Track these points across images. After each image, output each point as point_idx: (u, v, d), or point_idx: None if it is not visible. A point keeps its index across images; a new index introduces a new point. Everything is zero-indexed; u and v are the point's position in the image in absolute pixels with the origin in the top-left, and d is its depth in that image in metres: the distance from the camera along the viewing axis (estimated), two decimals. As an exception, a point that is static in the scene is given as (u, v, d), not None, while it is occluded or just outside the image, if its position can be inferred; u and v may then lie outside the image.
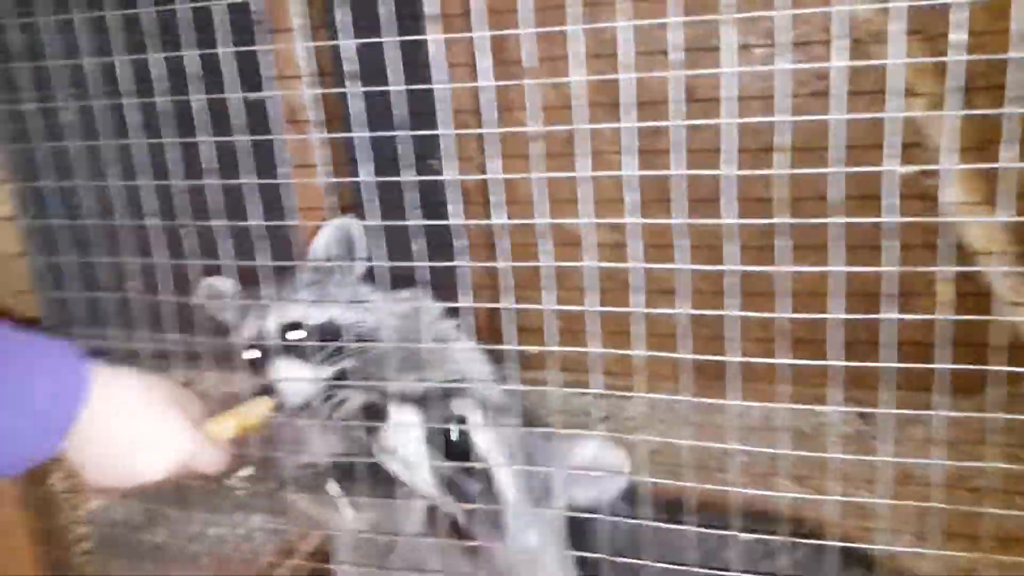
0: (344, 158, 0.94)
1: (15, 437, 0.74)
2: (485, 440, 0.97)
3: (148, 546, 1.22)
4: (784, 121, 0.71)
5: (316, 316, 1.17)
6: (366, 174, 0.82)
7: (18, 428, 0.74)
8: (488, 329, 1.12)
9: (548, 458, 0.97)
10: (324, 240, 1.23)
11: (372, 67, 0.80)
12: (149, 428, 0.82)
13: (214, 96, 0.86)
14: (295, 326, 1.18)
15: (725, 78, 0.71)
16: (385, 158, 0.82)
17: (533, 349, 0.89)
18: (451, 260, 0.82)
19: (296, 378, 1.08)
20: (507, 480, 0.96)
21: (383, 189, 0.84)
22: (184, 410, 0.86)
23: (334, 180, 0.92)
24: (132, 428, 0.81)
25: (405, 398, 0.96)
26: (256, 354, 1.18)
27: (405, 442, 0.94)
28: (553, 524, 0.96)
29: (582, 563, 0.96)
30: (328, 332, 1.15)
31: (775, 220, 0.73)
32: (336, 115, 1.11)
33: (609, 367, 0.92)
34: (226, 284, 1.22)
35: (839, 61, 0.69)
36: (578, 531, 0.97)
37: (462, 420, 0.98)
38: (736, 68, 0.71)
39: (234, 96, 0.84)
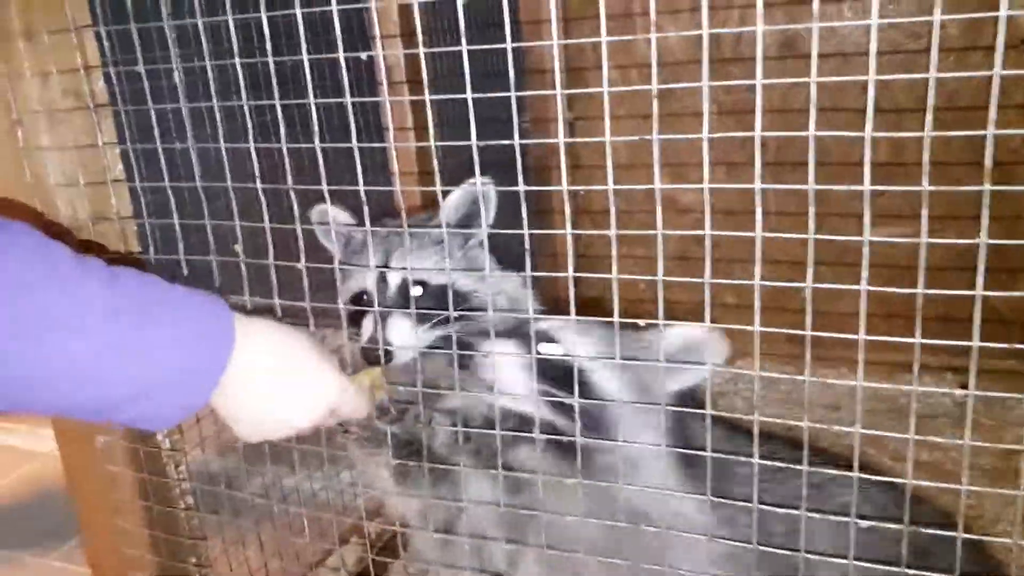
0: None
1: (168, 388, 0.73)
2: (598, 369, 0.98)
3: (245, 501, 1.25)
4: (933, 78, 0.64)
5: (438, 278, 1.13)
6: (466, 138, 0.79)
7: (170, 380, 0.73)
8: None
9: (639, 353, 0.96)
10: (455, 201, 1.15)
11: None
12: (297, 376, 0.81)
13: (319, 56, 0.84)
14: (419, 284, 1.13)
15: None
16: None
17: (640, 322, 0.86)
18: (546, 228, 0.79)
19: (405, 342, 1.05)
20: (607, 385, 0.98)
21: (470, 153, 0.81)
22: (326, 358, 0.85)
23: (440, 144, 0.89)
24: (280, 377, 0.80)
25: (498, 334, 0.98)
26: (362, 308, 1.14)
27: (503, 370, 0.97)
28: (655, 422, 0.95)
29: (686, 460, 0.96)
30: (444, 296, 1.09)
31: (917, 187, 0.67)
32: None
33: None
34: (340, 214, 1.17)
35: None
36: (679, 425, 0.96)
37: (551, 339, 0.99)
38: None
39: (339, 55, 0.82)
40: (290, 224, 0.94)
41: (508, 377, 0.98)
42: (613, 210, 0.76)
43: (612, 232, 0.77)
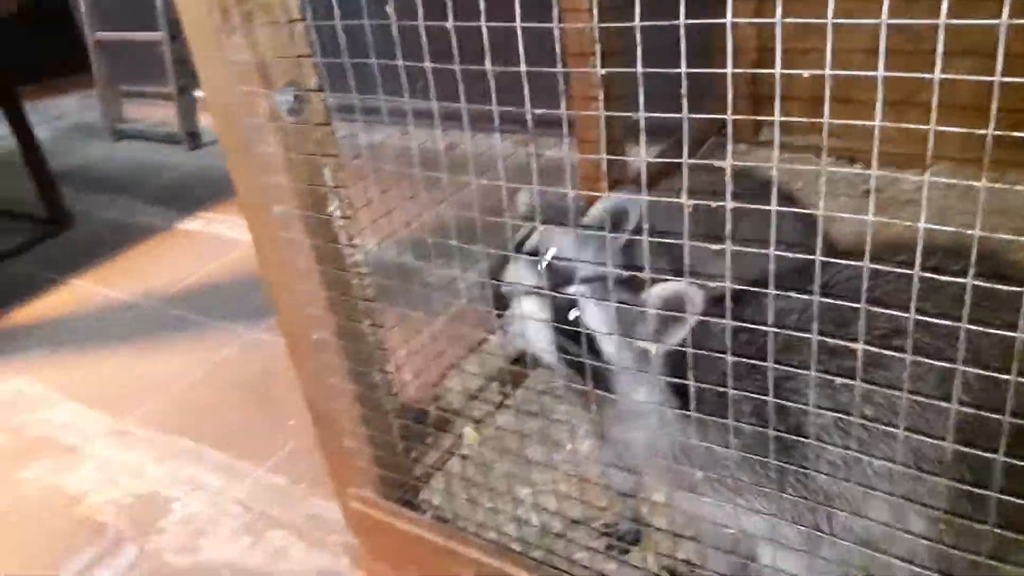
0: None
1: None
2: (593, 319, 1.09)
3: (418, 293, 1.32)
4: None
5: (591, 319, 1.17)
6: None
7: None
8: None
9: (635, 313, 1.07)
10: (598, 211, 1.37)
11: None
12: None
13: None
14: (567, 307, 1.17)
15: None
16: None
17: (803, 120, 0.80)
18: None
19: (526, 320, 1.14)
20: (610, 348, 1.09)
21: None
22: None
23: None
24: None
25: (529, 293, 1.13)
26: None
27: (530, 326, 1.12)
28: (652, 380, 1.08)
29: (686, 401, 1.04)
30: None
31: None
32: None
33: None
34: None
35: None
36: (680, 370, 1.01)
37: (574, 304, 1.11)
38: None
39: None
40: None
41: (533, 333, 1.13)
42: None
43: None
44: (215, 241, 3.09)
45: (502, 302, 1.18)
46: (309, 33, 1.11)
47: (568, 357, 1.11)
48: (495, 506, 1.44)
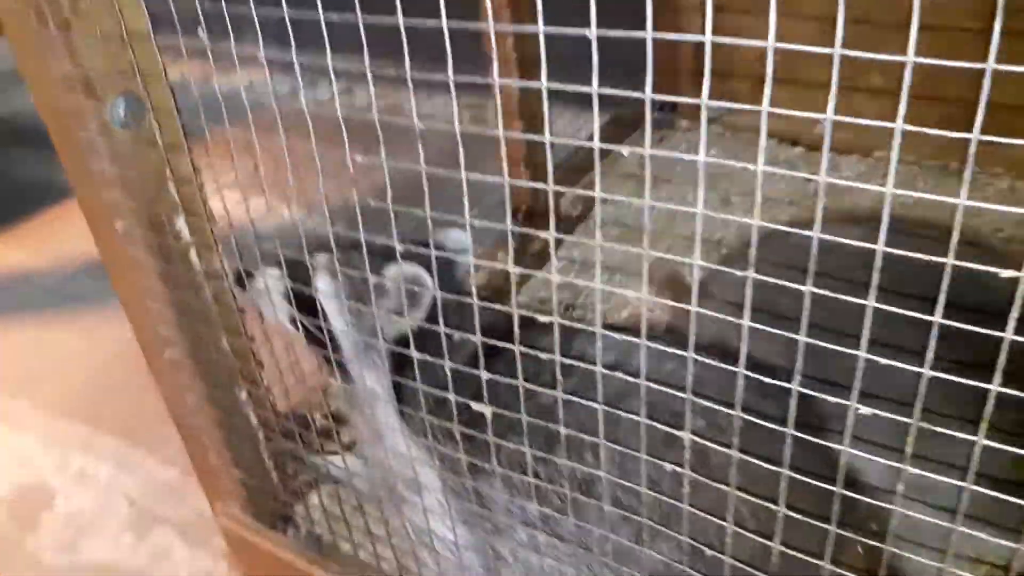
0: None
1: None
2: (327, 302, 1.11)
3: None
4: None
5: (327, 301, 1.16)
6: None
7: None
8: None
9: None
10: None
11: None
12: None
13: None
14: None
15: None
16: None
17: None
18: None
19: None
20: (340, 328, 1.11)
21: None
22: None
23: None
24: None
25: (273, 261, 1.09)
26: None
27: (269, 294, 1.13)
28: (379, 364, 1.10)
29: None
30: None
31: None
32: None
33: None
34: None
35: None
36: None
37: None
38: None
39: None
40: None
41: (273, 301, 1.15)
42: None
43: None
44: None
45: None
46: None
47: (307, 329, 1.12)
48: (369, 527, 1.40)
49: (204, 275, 1.17)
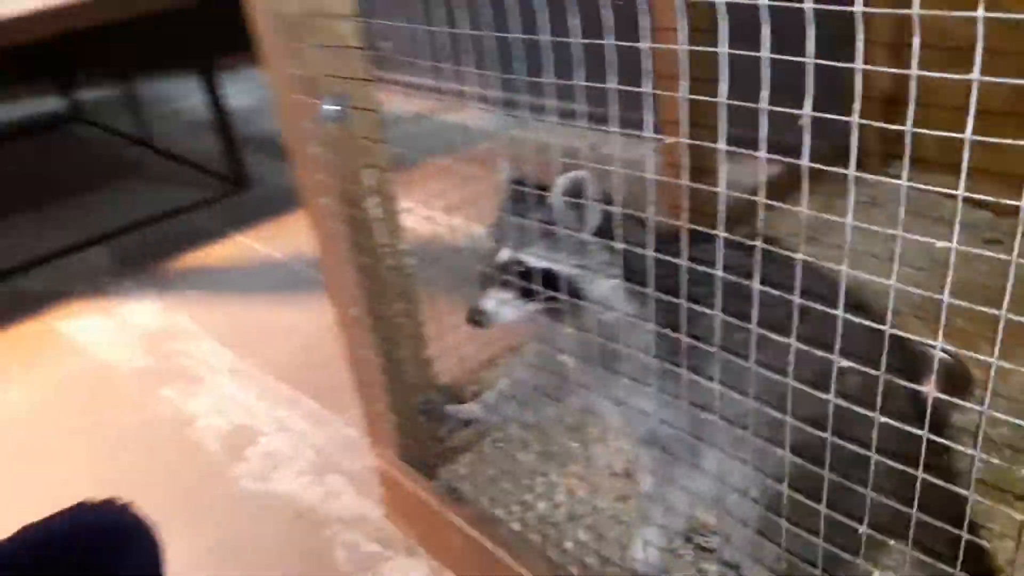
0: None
1: None
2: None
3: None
4: None
5: (538, 263, 1.27)
6: None
7: None
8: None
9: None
10: (558, 191, 1.23)
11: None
12: None
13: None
14: (518, 264, 1.28)
15: None
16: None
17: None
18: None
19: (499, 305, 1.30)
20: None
21: None
22: None
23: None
24: None
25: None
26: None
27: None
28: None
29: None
30: (546, 278, 1.26)
31: None
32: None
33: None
34: None
35: None
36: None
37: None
38: None
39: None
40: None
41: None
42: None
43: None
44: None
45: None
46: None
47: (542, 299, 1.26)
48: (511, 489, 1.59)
49: (384, 246, 1.44)
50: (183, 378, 2.45)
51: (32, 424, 2.34)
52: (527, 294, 1.28)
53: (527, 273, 1.26)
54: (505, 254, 1.29)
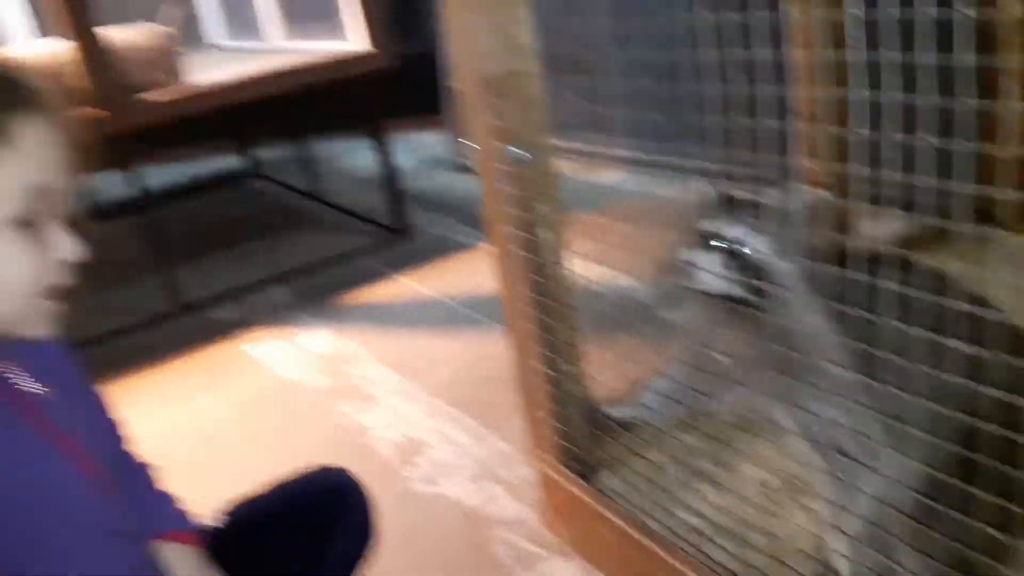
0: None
1: None
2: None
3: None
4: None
5: (745, 245, 1.33)
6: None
7: None
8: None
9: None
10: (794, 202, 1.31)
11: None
12: None
13: None
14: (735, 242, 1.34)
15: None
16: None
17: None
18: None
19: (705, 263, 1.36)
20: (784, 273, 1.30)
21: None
22: None
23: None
24: None
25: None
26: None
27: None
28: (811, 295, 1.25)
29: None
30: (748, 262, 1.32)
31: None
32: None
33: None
34: None
35: None
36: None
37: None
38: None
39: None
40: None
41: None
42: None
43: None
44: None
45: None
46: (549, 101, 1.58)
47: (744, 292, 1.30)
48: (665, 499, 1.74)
49: (551, 266, 1.68)
50: (356, 396, 2.76)
51: (230, 428, 2.70)
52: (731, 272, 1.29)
53: (736, 255, 1.29)
54: (725, 227, 1.29)
